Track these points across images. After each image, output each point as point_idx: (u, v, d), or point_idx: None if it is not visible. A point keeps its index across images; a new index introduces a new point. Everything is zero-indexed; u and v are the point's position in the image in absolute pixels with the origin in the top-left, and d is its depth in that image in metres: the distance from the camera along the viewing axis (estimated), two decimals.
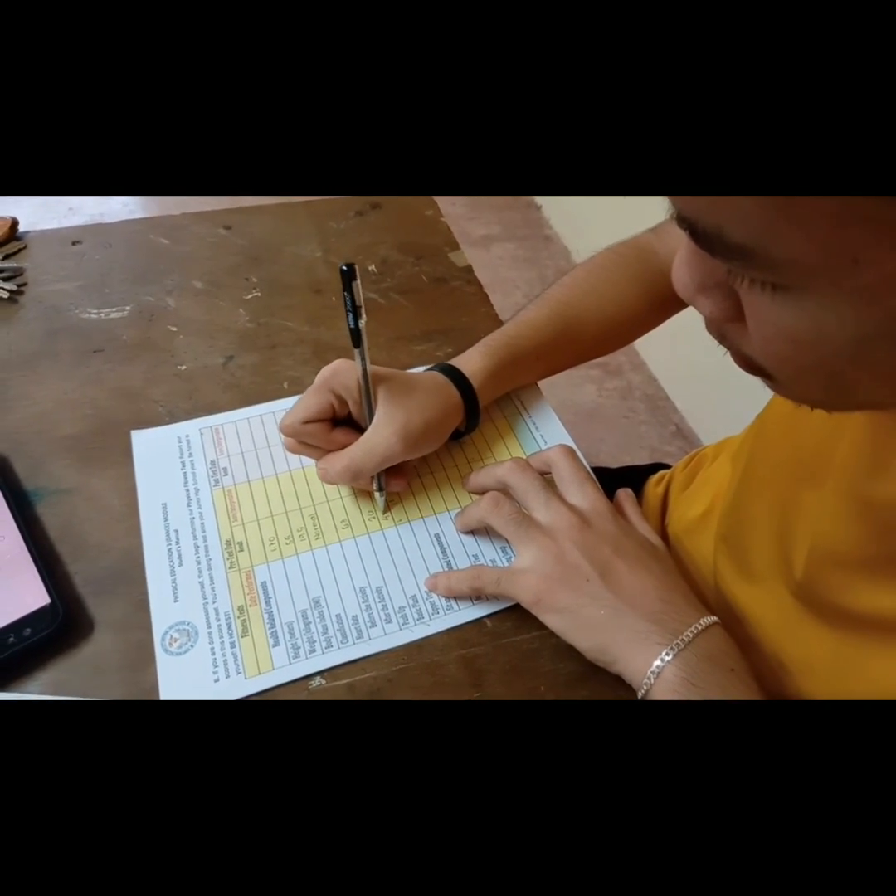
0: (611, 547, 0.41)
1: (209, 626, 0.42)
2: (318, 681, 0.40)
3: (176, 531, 0.46)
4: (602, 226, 0.99)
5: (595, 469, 0.57)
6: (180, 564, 0.44)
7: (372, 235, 0.70)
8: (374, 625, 0.43)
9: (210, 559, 0.45)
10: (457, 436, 0.51)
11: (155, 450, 0.50)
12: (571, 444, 0.50)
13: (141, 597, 0.43)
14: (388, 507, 0.48)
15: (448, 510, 0.49)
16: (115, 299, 0.61)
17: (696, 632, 0.38)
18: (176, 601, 0.43)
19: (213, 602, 0.43)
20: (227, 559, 0.45)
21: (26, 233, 0.65)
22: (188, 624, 0.42)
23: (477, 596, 0.44)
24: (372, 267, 0.66)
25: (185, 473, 0.49)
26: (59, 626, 0.40)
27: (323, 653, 0.41)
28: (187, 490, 0.48)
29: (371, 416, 0.45)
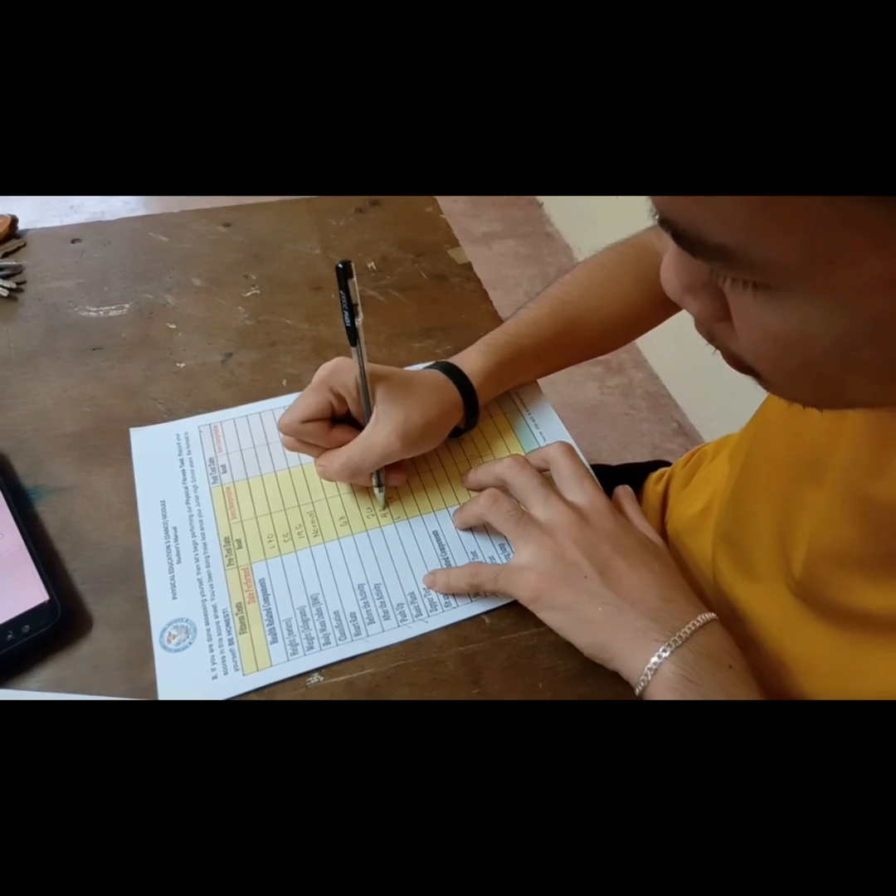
0: (609, 544, 0.41)
1: (207, 623, 0.42)
2: (316, 677, 0.40)
3: (174, 528, 0.46)
4: (604, 224, 0.99)
5: (595, 467, 0.58)
6: (179, 561, 0.44)
7: (372, 232, 0.70)
8: (372, 622, 0.43)
9: (208, 556, 0.45)
10: (456, 433, 0.51)
11: (154, 447, 0.50)
12: (571, 441, 0.50)
13: (139, 594, 0.43)
14: (387, 503, 0.48)
15: (447, 507, 0.49)
16: (114, 297, 0.61)
17: (694, 628, 0.38)
18: (174, 598, 0.43)
19: (212, 599, 0.43)
20: (226, 556, 0.45)
21: (26, 230, 0.65)
22: (186, 621, 0.42)
23: (475, 593, 0.44)
24: (371, 264, 0.66)
25: (183, 471, 0.49)
26: (57, 624, 0.40)
27: (321, 650, 0.41)
28: (186, 487, 0.48)
29: (369, 414, 0.45)
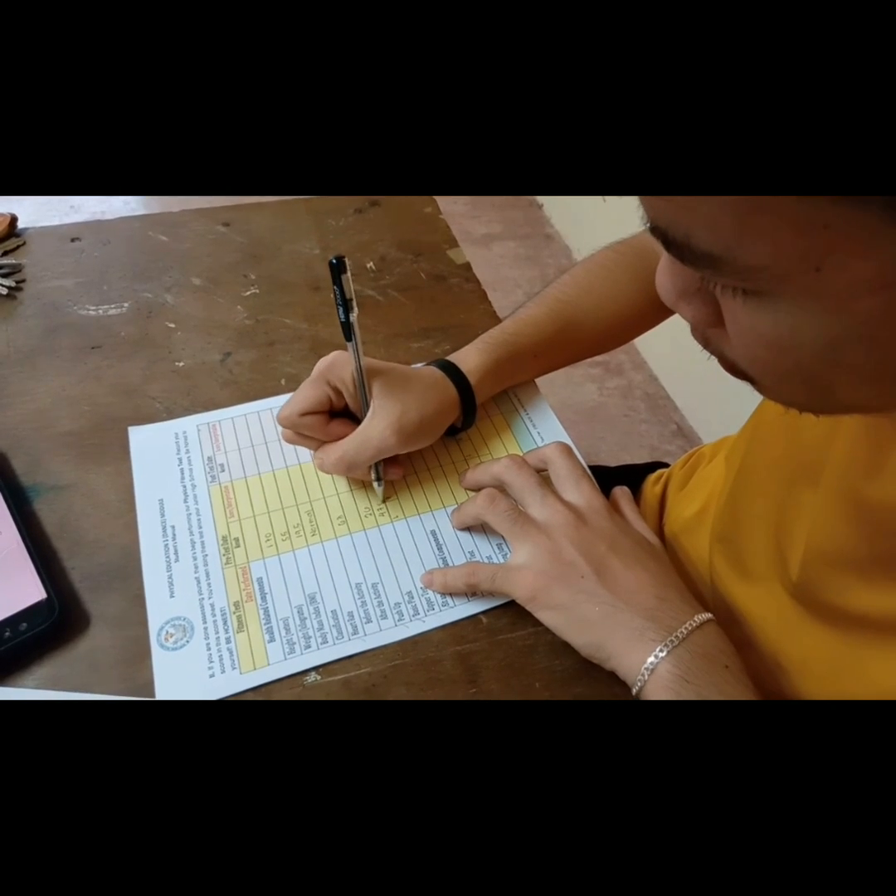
0: (606, 544, 0.41)
1: (205, 622, 0.42)
2: (313, 676, 0.40)
3: (172, 527, 0.46)
4: (603, 224, 0.99)
5: (593, 467, 0.58)
6: (176, 560, 0.44)
7: (371, 233, 0.70)
8: (369, 621, 0.43)
9: (206, 555, 0.45)
10: (453, 432, 0.51)
11: (152, 446, 0.50)
12: (568, 441, 0.50)
13: (137, 592, 0.43)
14: (386, 498, 0.48)
15: (444, 507, 0.49)
16: (113, 296, 0.61)
17: (690, 628, 0.38)
18: (172, 597, 0.43)
19: (209, 597, 0.43)
20: (224, 555, 0.45)
21: (25, 229, 0.65)
22: (184, 619, 0.42)
23: (472, 592, 0.44)
24: (370, 264, 0.66)
25: (182, 469, 0.49)
26: (55, 621, 0.40)
27: (318, 648, 0.41)
28: (184, 486, 0.48)
29: (366, 408, 0.45)
